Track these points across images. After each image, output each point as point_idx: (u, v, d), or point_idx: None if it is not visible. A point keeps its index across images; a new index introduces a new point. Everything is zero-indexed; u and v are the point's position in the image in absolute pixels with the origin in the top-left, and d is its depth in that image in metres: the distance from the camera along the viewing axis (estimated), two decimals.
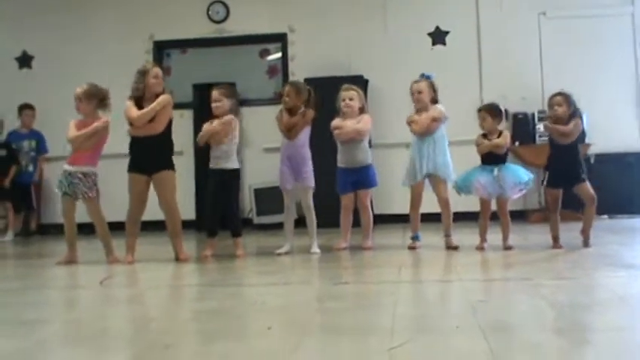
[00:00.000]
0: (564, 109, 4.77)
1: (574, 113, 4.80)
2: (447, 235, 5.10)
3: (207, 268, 4.68)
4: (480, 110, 5.05)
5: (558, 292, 3.23)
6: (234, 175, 5.12)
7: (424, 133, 5.10)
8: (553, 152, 4.83)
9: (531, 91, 7.43)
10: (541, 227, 6.36)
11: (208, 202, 5.08)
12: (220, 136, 5.01)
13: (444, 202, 5.10)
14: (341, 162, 5.27)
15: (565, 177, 4.75)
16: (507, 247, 4.88)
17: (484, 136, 4.96)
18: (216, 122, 5.04)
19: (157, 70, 4.89)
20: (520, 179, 4.83)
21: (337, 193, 5.31)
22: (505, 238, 4.94)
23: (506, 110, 5.07)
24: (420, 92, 5.17)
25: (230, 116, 5.03)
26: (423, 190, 5.19)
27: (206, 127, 5.10)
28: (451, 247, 5.03)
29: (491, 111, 4.94)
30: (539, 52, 7.57)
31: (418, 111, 5.18)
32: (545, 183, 4.86)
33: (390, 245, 5.53)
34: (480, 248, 4.93)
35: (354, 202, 5.31)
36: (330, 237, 5.81)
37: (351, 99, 5.21)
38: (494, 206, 4.99)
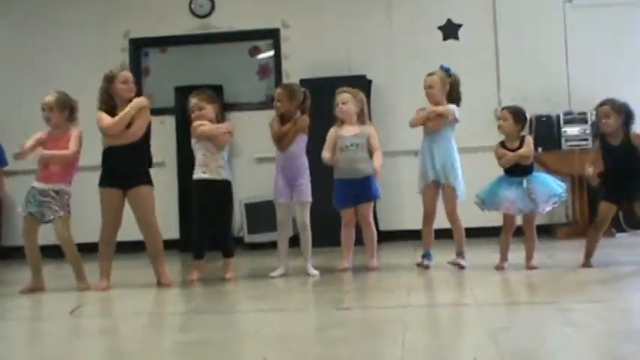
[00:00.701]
0: (613, 119, 4.71)
1: (627, 123, 4.71)
2: (458, 253, 5.14)
3: (193, 293, 4.68)
4: (502, 109, 5.06)
5: (590, 318, 3.22)
6: (228, 187, 5.14)
7: (418, 124, 5.12)
8: (610, 161, 4.76)
9: (556, 91, 7.41)
10: (569, 244, 6.40)
11: (197, 217, 5.09)
12: (220, 141, 5.04)
13: (450, 214, 5.12)
14: (339, 173, 5.30)
15: (627, 190, 4.70)
16: (531, 267, 4.89)
17: (502, 144, 4.96)
18: (224, 125, 5.12)
19: (126, 75, 4.87)
20: (553, 191, 4.83)
21: (334, 207, 5.33)
22: (529, 256, 4.95)
23: (530, 120, 5.04)
24: (430, 87, 5.18)
25: (231, 123, 5.13)
26: (437, 199, 5.18)
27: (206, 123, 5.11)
28: (454, 264, 5.08)
29: (515, 114, 4.93)
30: (565, 45, 7.51)
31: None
32: (600, 195, 4.80)
33: (399, 265, 5.53)
34: (500, 268, 4.94)
35: (355, 218, 5.33)
36: (330, 256, 5.83)
37: (344, 102, 5.24)
38: (519, 221, 5.01)
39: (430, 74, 5.20)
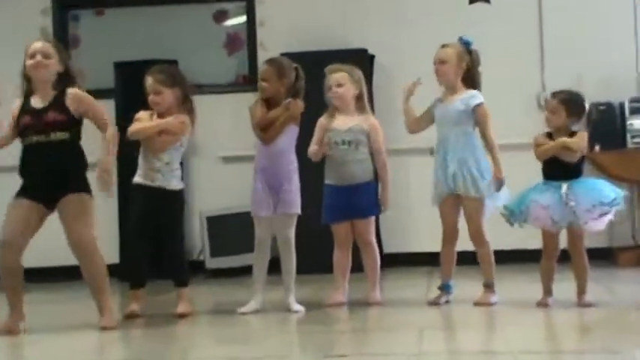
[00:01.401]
0: None
1: None
2: (487, 285, 5.17)
3: (132, 336, 4.66)
4: (551, 96, 5.07)
5: None
6: (178, 198, 5.18)
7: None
8: None
9: (619, 69, 7.36)
10: (635, 273, 6.44)
11: (133, 233, 5.11)
12: (168, 141, 5.08)
13: (475, 235, 5.16)
14: (329, 177, 5.35)
15: None
16: (584, 304, 4.90)
17: (549, 135, 4.98)
18: (169, 119, 5.10)
19: (35, 47, 4.82)
20: (600, 198, 4.80)
21: (323, 223, 5.37)
22: (581, 289, 4.95)
23: (590, 112, 5.04)
24: (442, 62, 5.20)
25: (184, 117, 5.11)
26: (459, 214, 5.22)
27: (145, 117, 5.13)
28: (482, 303, 5.08)
29: (568, 104, 4.93)
30: (633, 11, 7.49)
31: (445, 91, 5.28)
32: None
33: (408, 299, 5.55)
34: (543, 304, 4.96)
35: (352, 237, 5.36)
36: (319, 286, 5.82)
37: (339, 84, 5.28)
38: (563, 242, 5.01)
39: (444, 46, 5.24)
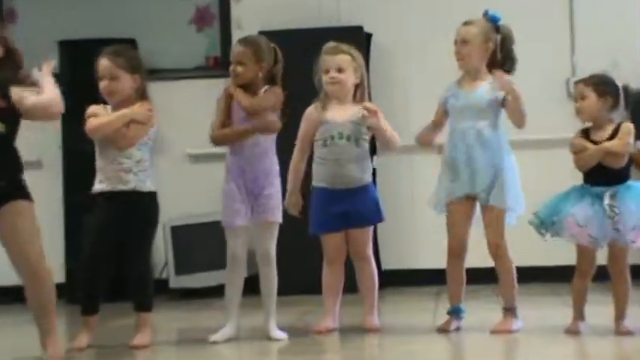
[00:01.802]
0: None
1: None
2: (507, 309, 5.16)
3: None
4: (578, 82, 5.08)
5: None
6: (154, 201, 5.18)
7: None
8: None
9: None
10: None
11: (92, 249, 5.07)
12: (138, 133, 5.07)
13: (495, 250, 5.15)
14: (320, 179, 5.35)
15: None
16: (623, 331, 4.86)
17: (585, 133, 4.95)
18: (134, 107, 5.08)
19: None
20: None
21: (312, 233, 5.37)
22: (620, 313, 4.92)
23: (626, 90, 5.00)
24: (464, 42, 5.17)
25: (149, 104, 5.13)
26: (469, 225, 5.20)
27: (101, 111, 5.09)
28: (501, 331, 5.06)
29: (598, 86, 4.92)
30: None
31: (466, 77, 5.27)
32: None
33: (411, 325, 5.55)
34: (574, 331, 4.94)
35: (346, 250, 5.35)
36: (305, 309, 5.87)
37: (340, 69, 5.28)
38: (601, 257, 4.96)
39: (467, 23, 5.21)
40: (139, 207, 5.08)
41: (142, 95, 5.17)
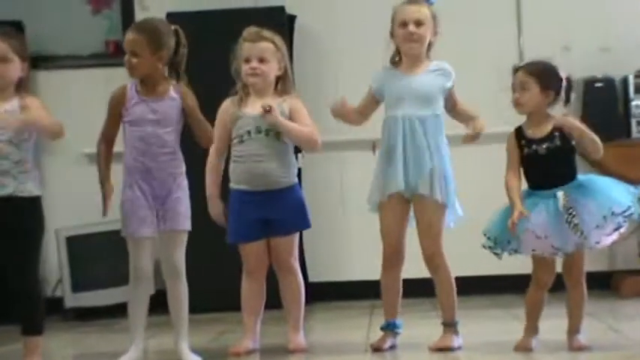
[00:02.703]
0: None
1: None
2: (447, 324, 5.15)
3: None
4: (517, 69, 5.07)
5: None
6: (37, 207, 5.08)
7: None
8: None
9: (620, 35, 7.47)
10: None
11: None
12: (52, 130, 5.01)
13: (431, 256, 5.14)
14: (238, 180, 5.32)
15: None
16: (578, 346, 4.88)
17: (519, 132, 4.97)
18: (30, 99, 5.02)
19: None
20: (613, 205, 4.75)
21: (229, 242, 5.33)
22: (574, 327, 4.94)
23: (569, 82, 5.00)
24: (419, 23, 5.15)
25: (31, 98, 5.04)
26: (405, 228, 5.19)
27: None
28: (441, 348, 5.05)
29: (541, 76, 4.93)
30: None
31: (408, 62, 5.25)
32: None
33: (342, 344, 5.54)
34: (524, 348, 4.94)
35: (268, 261, 5.33)
36: (222, 329, 5.89)
37: (262, 59, 5.26)
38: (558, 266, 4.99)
39: (413, 2, 5.20)
40: (18, 215, 4.95)
41: (25, 87, 5.12)
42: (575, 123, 4.94)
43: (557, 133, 4.90)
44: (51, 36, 7.68)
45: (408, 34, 5.14)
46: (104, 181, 5.15)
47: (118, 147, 5.24)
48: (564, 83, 4.98)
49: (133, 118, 5.09)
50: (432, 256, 5.10)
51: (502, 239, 4.90)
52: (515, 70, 5.08)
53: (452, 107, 5.24)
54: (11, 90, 5.04)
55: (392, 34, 5.23)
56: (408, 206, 5.14)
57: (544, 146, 4.89)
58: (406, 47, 5.19)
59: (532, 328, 4.96)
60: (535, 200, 4.87)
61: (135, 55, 5.06)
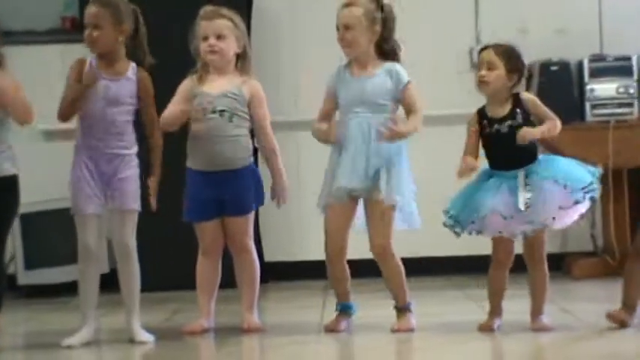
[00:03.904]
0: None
1: None
2: (400, 308, 5.17)
3: None
4: (483, 48, 5.09)
5: None
6: (13, 186, 5.08)
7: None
8: None
9: (576, 19, 7.51)
10: (592, 286, 6.62)
11: None
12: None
13: (380, 252, 5.16)
14: (195, 160, 5.35)
15: None
16: (540, 327, 4.93)
17: (481, 114, 4.98)
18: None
19: None
20: (575, 182, 4.81)
21: (185, 220, 5.35)
22: (537, 307, 4.98)
23: (529, 69, 5.00)
24: (347, 28, 5.13)
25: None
26: (348, 229, 5.21)
27: None
28: (405, 329, 5.08)
29: (509, 57, 4.96)
30: None
31: (355, 64, 5.25)
32: None
33: (298, 324, 5.56)
34: (488, 328, 4.97)
35: (223, 240, 5.34)
36: (175, 307, 5.91)
37: (219, 36, 5.27)
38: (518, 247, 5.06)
39: (348, 4, 5.17)
40: None
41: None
42: (535, 103, 4.99)
43: (518, 110, 4.93)
44: (5, 10, 7.60)
45: (339, 40, 5.17)
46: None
47: (72, 124, 5.23)
48: (526, 69, 5.05)
49: (89, 98, 5.07)
50: (382, 251, 5.13)
51: (463, 218, 4.93)
52: (482, 49, 5.11)
53: (406, 112, 5.18)
54: None
55: None
56: (355, 205, 5.17)
57: (506, 124, 4.91)
58: (344, 52, 5.22)
59: (496, 309, 5.00)
60: (498, 181, 4.92)
61: (96, 28, 5.07)
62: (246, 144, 5.31)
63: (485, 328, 4.93)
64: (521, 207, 4.78)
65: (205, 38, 5.22)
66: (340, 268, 5.21)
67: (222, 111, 5.21)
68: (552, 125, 4.92)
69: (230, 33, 5.24)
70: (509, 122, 4.90)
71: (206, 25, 5.24)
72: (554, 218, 4.86)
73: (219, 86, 5.24)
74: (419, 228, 5.15)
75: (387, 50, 5.20)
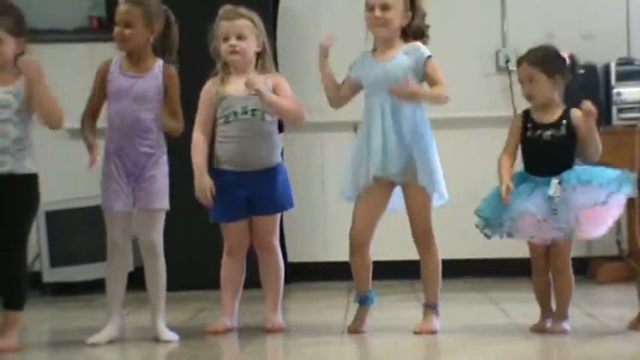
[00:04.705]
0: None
1: None
2: (428, 305, 5.16)
3: None
4: (521, 61, 5.02)
5: None
6: (33, 185, 5.07)
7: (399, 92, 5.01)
8: None
9: (603, 22, 7.47)
10: (617, 290, 6.61)
11: None
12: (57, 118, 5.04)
13: (423, 239, 5.15)
14: (223, 160, 5.32)
15: None
16: (557, 330, 4.94)
17: (526, 115, 4.97)
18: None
19: None
20: (606, 180, 4.78)
21: (213, 221, 5.33)
22: (560, 312, 4.99)
23: (572, 59, 4.95)
24: (385, 7, 5.09)
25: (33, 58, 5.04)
26: (379, 214, 5.18)
27: None
28: (426, 331, 5.07)
29: (545, 64, 4.91)
30: None
31: (380, 47, 5.23)
32: None
33: (321, 324, 5.57)
34: (539, 329, 4.99)
35: (249, 240, 5.34)
36: (200, 307, 5.90)
37: (240, 36, 5.27)
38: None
39: None
40: (14, 192, 4.96)
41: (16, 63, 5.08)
42: (591, 125, 4.89)
43: (564, 121, 4.91)
44: (32, 9, 7.59)
45: (374, 19, 5.12)
46: (88, 135, 5.14)
47: (103, 123, 5.23)
48: (568, 62, 4.99)
49: (112, 93, 5.12)
50: (424, 237, 5.11)
51: (494, 221, 4.92)
52: (519, 62, 5.06)
53: (430, 87, 5.14)
54: (9, 69, 5.03)
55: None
56: (388, 191, 5.13)
57: (549, 132, 4.90)
58: (373, 32, 5.18)
59: (546, 310, 5.01)
60: (531, 185, 4.89)
61: (128, 26, 5.08)
62: (277, 142, 5.32)
63: (537, 329, 4.95)
64: (550, 193, 4.75)
65: (226, 39, 5.22)
66: (362, 257, 5.19)
67: (254, 110, 5.20)
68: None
69: (250, 32, 5.24)
70: (552, 131, 4.89)
71: (227, 25, 5.24)
72: (582, 222, 4.79)
73: (244, 88, 5.19)
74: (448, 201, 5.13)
75: (417, 32, 5.17)
